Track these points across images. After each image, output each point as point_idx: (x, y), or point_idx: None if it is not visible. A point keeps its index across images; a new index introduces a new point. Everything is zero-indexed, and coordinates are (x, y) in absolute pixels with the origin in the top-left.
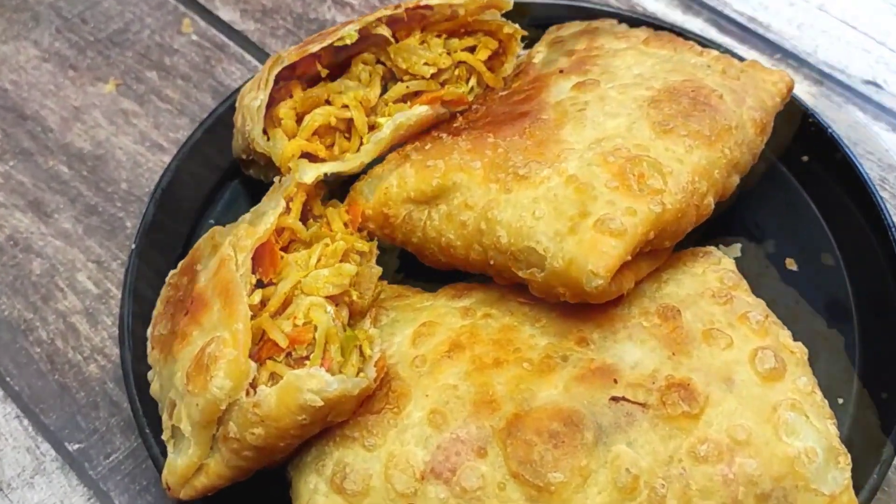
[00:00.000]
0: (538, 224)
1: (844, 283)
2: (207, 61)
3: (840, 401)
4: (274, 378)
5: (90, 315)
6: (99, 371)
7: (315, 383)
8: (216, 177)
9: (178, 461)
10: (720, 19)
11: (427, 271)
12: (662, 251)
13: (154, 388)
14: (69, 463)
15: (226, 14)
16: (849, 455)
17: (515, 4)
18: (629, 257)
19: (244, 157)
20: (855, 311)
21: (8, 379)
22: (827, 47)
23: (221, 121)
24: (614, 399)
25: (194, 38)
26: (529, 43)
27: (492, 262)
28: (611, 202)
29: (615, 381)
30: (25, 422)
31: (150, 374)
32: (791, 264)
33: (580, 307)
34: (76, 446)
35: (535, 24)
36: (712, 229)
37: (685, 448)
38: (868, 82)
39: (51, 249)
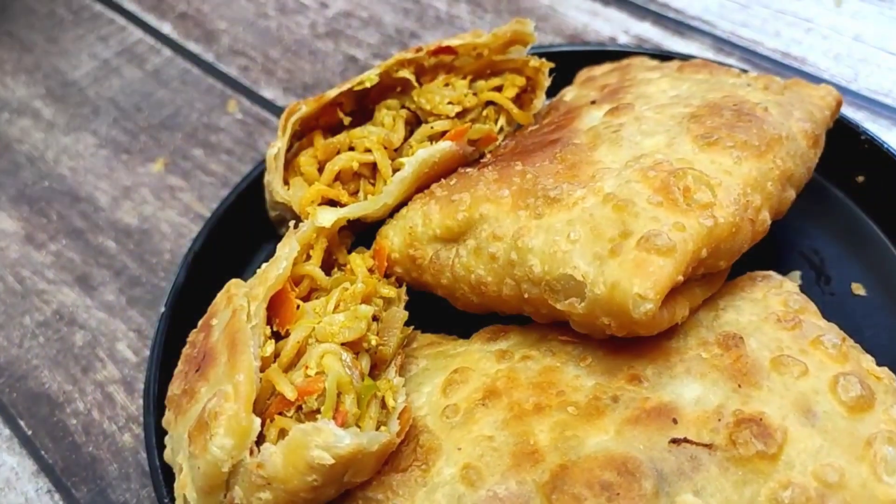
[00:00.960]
0: (574, 248)
1: None
2: (250, 136)
3: None
4: (283, 435)
5: (128, 384)
6: (133, 440)
7: (324, 438)
8: (251, 239)
9: None
10: (754, 58)
11: (463, 318)
12: (717, 275)
13: (167, 454)
14: None
15: (269, 93)
16: None
17: (546, 54)
18: (680, 278)
19: (273, 214)
20: None
21: (43, 452)
22: (868, 74)
23: (256, 184)
24: (675, 441)
25: (239, 116)
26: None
27: (526, 296)
28: (655, 218)
29: (675, 421)
30: (56, 496)
31: (166, 439)
32: (858, 289)
33: (630, 342)
34: None
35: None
36: (765, 261)
37: (764, 495)
38: None
39: (94, 321)
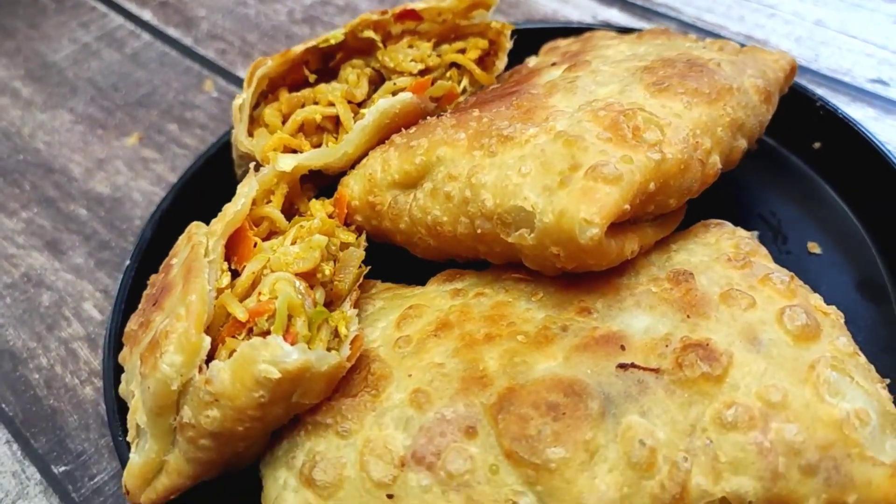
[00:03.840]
0: (525, 181)
1: (875, 261)
2: (225, 112)
3: (888, 381)
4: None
5: (92, 340)
6: (94, 393)
7: (271, 352)
8: (219, 199)
9: (137, 459)
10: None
11: (423, 273)
12: (670, 217)
13: (122, 387)
14: (53, 486)
15: (245, 73)
16: None
17: (513, 31)
18: (627, 207)
19: (240, 172)
20: (891, 288)
21: (3, 405)
22: (828, 55)
23: (226, 148)
24: (622, 366)
25: (214, 94)
26: None
27: (479, 232)
28: (603, 152)
29: (623, 348)
30: (15, 446)
31: (122, 376)
32: (814, 248)
33: (581, 279)
34: (62, 469)
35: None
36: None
37: (709, 415)
38: (874, 80)
39: (61, 283)
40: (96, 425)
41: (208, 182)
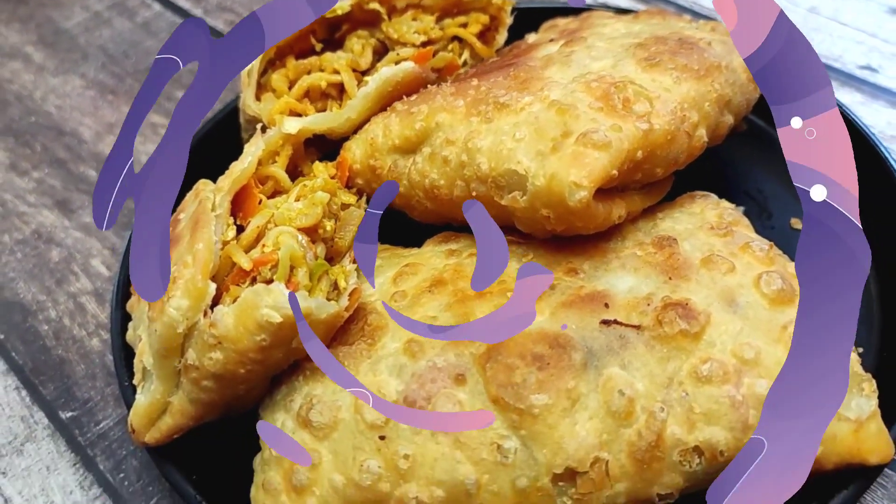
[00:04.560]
0: (519, 146)
1: None
2: (234, 81)
3: (861, 350)
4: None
5: (99, 295)
6: (101, 345)
7: (273, 298)
8: (225, 162)
9: (143, 400)
10: None
11: (420, 240)
12: (657, 187)
13: (129, 334)
14: (60, 430)
15: None
16: (874, 382)
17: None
18: (615, 173)
19: (246, 136)
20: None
21: (13, 354)
22: (819, 42)
23: (233, 113)
24: (605, 322)
25: None
26: None
27: (474, 195)
28: (594, 120)
29: (606, 306)
30: (23, 392)
31: (129, 323)
32: (797, 224)
33: (570, 242)
34: (69, 414)
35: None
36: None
37: (686, 370)
38: (863, 67)
39: (70, 240)
40: (102, 375)
41: (214, 147)
